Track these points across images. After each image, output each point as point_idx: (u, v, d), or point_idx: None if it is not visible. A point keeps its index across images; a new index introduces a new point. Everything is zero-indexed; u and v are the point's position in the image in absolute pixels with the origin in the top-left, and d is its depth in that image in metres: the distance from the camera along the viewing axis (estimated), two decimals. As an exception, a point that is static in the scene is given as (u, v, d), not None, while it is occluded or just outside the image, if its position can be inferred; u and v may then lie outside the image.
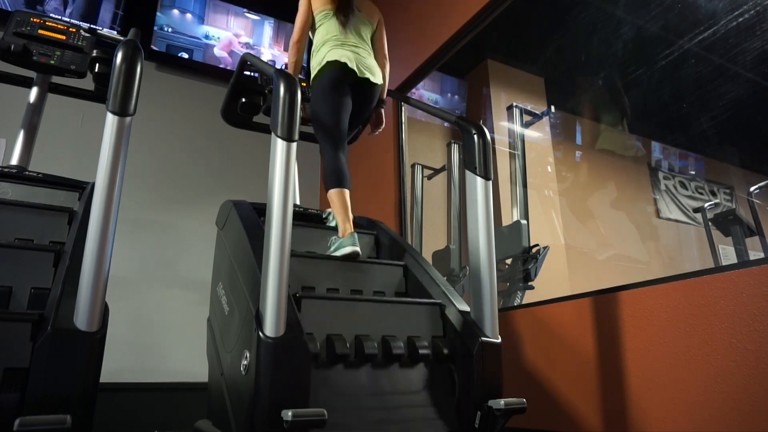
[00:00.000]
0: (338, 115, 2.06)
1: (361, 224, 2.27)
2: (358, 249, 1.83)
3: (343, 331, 1.52)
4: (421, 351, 1.57)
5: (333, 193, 1.95)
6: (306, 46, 2.23)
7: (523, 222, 3.27)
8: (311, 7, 2.21)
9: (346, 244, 1.84)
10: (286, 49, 4.18)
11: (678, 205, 4.97)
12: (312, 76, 2.15)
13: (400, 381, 1.55)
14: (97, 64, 2.21)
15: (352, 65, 2.07)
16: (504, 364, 1.56)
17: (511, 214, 3.46)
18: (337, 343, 1.47)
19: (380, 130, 2.41)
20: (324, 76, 2.07)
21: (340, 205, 1.92)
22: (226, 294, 1.75)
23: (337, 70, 2.06)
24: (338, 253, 1.84)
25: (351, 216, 1.94)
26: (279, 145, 1.39)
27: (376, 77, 2.16)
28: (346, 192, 1.96)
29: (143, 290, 3.31)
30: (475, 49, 3.79)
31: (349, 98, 2.10)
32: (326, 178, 1.99)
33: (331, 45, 2.12)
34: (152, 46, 3.74)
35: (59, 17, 3.25)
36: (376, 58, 2.27)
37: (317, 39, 2.20)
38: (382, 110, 2.36)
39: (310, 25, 2.23)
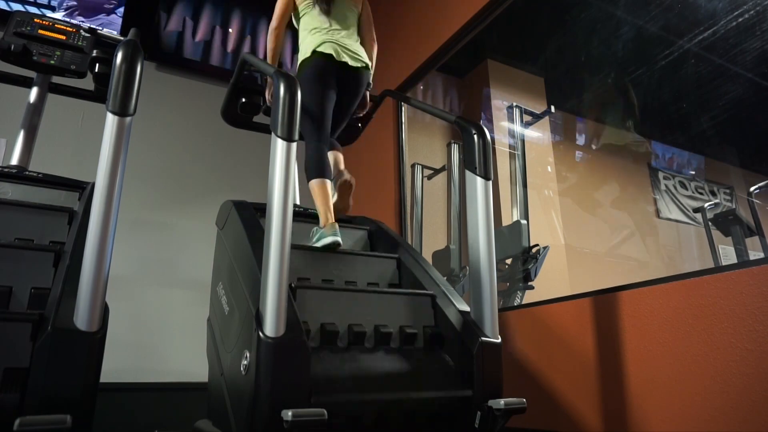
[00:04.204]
0: (322, 106, 2.05)
1: (355, 221, 2.27)
2: (338, 239, 1.82)
3: (336, 320, 1.55)
4: (408, 331, 1.62)
5: (314, 184, 1.94)
6: (284, 33, 2.22)
7: (523, 222, 3.27)
8: None
9: (327, 234, 1.82)
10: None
11: (678, 205, 4.97)
12: (298, 65, 2.16)
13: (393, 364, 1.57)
14: (97, 64, 2.21)
15: (337, 54, 2.07)
16: (504, 364, 1.56)
17: (511, 214, 3.46)
18: (331, 332, 1.50)
19: (365, 111, 2.41)
20: (308, 67, 2.08)
21: (321, 196, 1.91)
22: (226, 294, 1.75)
23: (321, 60, 2.06)
24: (319, 244, 1.82)
25: (332, 207, 1.93)
26: (279, 145, 1.40)
27: (363, 63, 2.15)
28: (328, 183, 1.96)
29: (143, 290, 3.31)
30: (475, 49, 3.78)
31: (333, 89, 2.10)
32: (308, 169, 1.97)
33: (315, 34, 2.12)
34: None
35: (59, 17, 3.25)
36: (363, 40, 2.26)
37: (302, 28, 2.20)
38: (368, 93, 2.34)
39: (291, 13, 2.22)
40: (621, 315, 1.90)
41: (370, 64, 2.22)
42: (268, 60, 2.17)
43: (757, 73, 3.55)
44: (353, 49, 2.14)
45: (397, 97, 3.32)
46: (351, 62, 2.11)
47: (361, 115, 2.42)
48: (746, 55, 3.39)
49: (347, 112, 2.24)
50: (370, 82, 2.31)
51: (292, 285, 1.50)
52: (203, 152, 3.81)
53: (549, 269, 3.19)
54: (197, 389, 2.25)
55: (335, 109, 2.15)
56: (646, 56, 3.80)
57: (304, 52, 2.12)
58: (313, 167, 1.97)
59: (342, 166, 2.18)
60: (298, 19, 2.23)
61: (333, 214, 1.90)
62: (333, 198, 1.99)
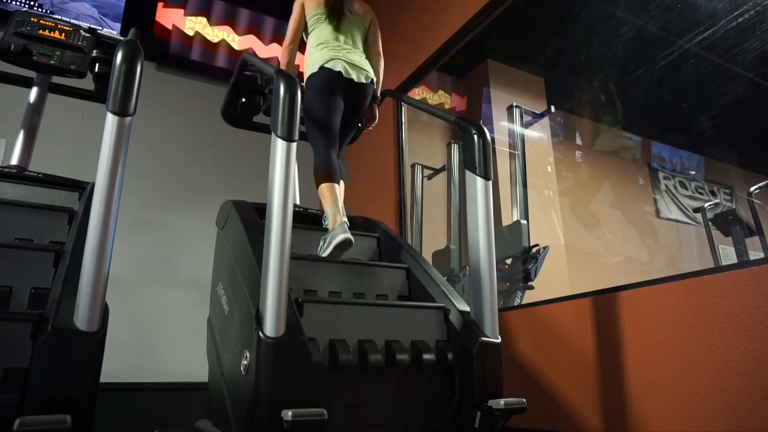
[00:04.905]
0: (330, 117, 2.08)
1: (359, 224, 2.27)
2: (350, 236, 1.80)
3: (346, 336, 1.48)
4: (425, 356, 1.53)
5: (324, 187, 1.97)
6: (297, 48, 2.25)
7: (523, 222, 3.27)
8: (304, 10, 2.24)
9: (338, 233, 1.81)
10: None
11: (678, 205, 4.97)
12: (305, 78, 2.18)
13: (403, 389, 1.53)
14: (97, 64, 2.21)
15: (345, 72, 2.10)
16: (504, 364, 1.56)
17: (511, 214, 3.46)
18: (341, 350, 1.43)
19: (373, 125, 2.42)
20: (316, 80, 2.10)
21: (330, 198, 1.93)
22: (226, 294, 1.75)
23: (328, 74, 2.09)
24: (332, 245, 1.80)
25: (342, 209, 1.94)
26: (279, 145, 1.40)
27: (367, 78, 2.18)
28: (336, 186, 1.98)
29: (143, 290, 3.31)
30: (475, 49, 3.78)
31: (340, 100, 2.12)
32: (316, 173, 2.01)
33: (323, 49, 2.15)
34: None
35: (59, 17, 3.25)
36: (369, 56, 2.29)
37: (310, 42, 2.23)
38: (376, 106, 2.37)
39: (303, 28, 2.26)
40: (621, 315, 1.90)
41: (374, 78, 2.24)
42: None
43: (757, 73, 3.55)
44: (360, 65, 2.17)
45: (397, 97, 3.33)
46: (357, 78, 2.14)
47: (371, 128, 2.42)
48: (746, 55, 3.39)
49: (353, 124, 2.27)
50: (378, 95, 2.33)
51: (299, 299, 1.46)
52: (203, 152, 3.81)
53: (549, 269, 3.19)
54: (197, 389, 2.25)
55: (343, 122, 2.17)
56: (646, 56, 3.80)
57: (311, 67, 2.14)
58: (322, 171, 2.00)
59: (342, 197, 2.06)
60: (306, 34, 2.26)
61: (342, 216, 1.89)
62: (324, 253, 1.89)
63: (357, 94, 2.17)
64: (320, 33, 2.19)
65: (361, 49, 2.27)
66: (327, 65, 2.09)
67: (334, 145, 2.10)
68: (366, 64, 2.21)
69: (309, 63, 2.17)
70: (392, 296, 1.87)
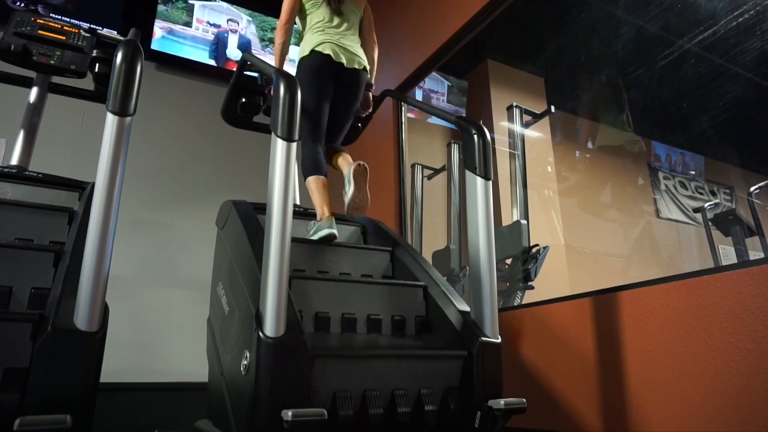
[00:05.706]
0: (319, 106, 2.09)
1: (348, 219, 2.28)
2: (334, 231, 1.90)
3: (330, 310, 1.60)
4: (397, 318, 1.68)
5: (311, 180, 2.03)
6: (292, 28, 2.24)
7: (523, 222, 3.27)
8: None
9: (323, 227, 1.90)
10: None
11: (678, 205, 4.97)
12: (297, 62, 2.18)
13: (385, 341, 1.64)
14: (97, 64, 2.21)
15: (336, 55, 2.09)
16: (504, 364, 1.56)
17: (511, 214, 3.46)
18: (325, 319, 1.58)
19: (368, 112, 2.42)
20: (308, 65, 2.10)
21: (317, 191, 2.00)
22: (226, 294, 1.75)
23: (320, 59, 2.09)
24: (316, 236, 1.91)
25: (329, 201, 1.99)
26: (279, 145, 1.40)
27: (360, 65, 2.17)
28: (324, 179, 2.04)
29: (143, 290, 3.31)
30: (475, 49, 3.79)
31: (330, 89, 2.12)
32: (304, 168, 2.05)
33: (317, 33, 2.14)
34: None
35: (59, 17, 3.25)
36: (364, 42, 2.29)
37: (306, 26, 2.22)
38: (371, 93, 2.37)
39: (299, 8, 2.23)
40: (621, 315, 1.90)
41: (368, 66, 2.24)
42: (276, 54, 2.20)
43: (757, 73, 3.55)
44: (353, 51, 2.16)
45: (397, 97, 3.33)
46: (348, 63, 2.13)
47: (365, 115, 2.43)
48: (746, 55, 3.39)
49: (349, 114, 2.25)
50: (372, 83, 2.33)
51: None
52: (203, 152, 3.81)
53: (549, 269, 3.19)
54: (197, 389, 2.25)
55: (337, 111, 2.17)
56: (646, 56, 3.80)
57: (303, 51, 2.15)
58: (309, 165, 2.05)
59: (351, 160, 2.20)
60: (303, 18, 2.25)
61: (329, 208, 1.97)
62: (350, 193, 1.98)
63: (348, 80, 2.15)
64: (315, 17, 2.18)
65: (357, 35, 2.26)
66: (317, 48, 2.09)
67: (321, 138, 2.11)
68: (360, 51, 2.20)
69: (302, 47, 2.17)
70: (376, 277, 1.97)
